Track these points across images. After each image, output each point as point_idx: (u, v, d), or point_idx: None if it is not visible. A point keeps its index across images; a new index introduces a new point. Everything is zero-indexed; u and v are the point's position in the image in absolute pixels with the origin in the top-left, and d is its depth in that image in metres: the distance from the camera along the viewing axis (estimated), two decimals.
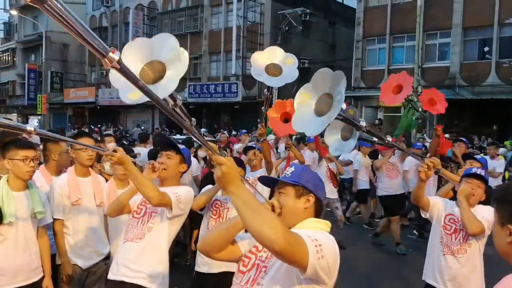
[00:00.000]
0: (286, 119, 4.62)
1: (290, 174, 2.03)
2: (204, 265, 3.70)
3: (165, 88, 1.72)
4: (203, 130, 24.35)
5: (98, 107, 34.54)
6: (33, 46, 39.62)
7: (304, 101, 2.30)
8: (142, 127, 27.97)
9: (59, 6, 1.09)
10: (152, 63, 1.79)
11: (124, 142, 20.35)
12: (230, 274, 2.14)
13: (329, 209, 7.74)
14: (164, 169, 3.10)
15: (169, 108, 1.73)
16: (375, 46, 22.84)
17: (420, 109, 4.29)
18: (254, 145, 5.27)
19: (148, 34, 32.28)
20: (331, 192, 7.50)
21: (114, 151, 2.80)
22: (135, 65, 1.75)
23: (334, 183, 7.55)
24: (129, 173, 2.83)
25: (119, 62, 1.26)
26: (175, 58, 1.77)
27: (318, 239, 1.67)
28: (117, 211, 3.10)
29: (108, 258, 3.73)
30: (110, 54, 1.24)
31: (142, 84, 1.45)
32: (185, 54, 1.79)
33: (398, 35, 21.88)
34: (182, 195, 3.02)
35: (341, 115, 2.23)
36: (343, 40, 28.22)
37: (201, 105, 28.05)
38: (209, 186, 3.89)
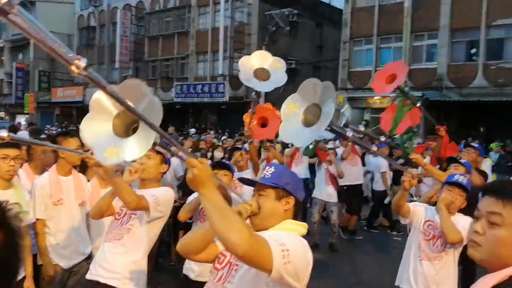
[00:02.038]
0: (263, 123, 4.64)
1: (270, 174, 2.00)
2: (193, 271, 3.60)
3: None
4: (192, 130, 24.23)
5: (86, 106, 34.10)
6: (21, 45, 39.30)
7: (291, 111, 2.28)
8: None
9: (22, 17, 1.10)
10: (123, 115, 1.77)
11: None
12: None
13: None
14: (144, 169, 3.11)
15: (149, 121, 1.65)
16: (362, 47, 22.87)
17: (413, 101, 4.13)
18: (241, 146, 5.34)
19: (136, 34, 32.10)
20: (329, 195, 7.51)
21: (92, 154, 2.74)
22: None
23: (334, 186, 7.55)
24: (107, 177, 2.91)
25: (86, 68, 1.31)
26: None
27: (287, 244, 1.67)
28: (99, 214, 3.12)
29: (90, 257, 3.66)
30: (77, 61, 1.29)
31: (110, 89, 1.52)
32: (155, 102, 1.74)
33: (385, 36, 21.92)
34: (161, 197, 3.03)
35: (330, 126, 2.20)
36: (330, 41, 28.28)
37: (187, 105, 27.92)
38: (195, 194, 3.77)
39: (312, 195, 7.83)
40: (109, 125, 1.79)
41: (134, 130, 1.75)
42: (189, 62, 29.39)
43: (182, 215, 3.54)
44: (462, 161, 4.54)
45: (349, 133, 2.73)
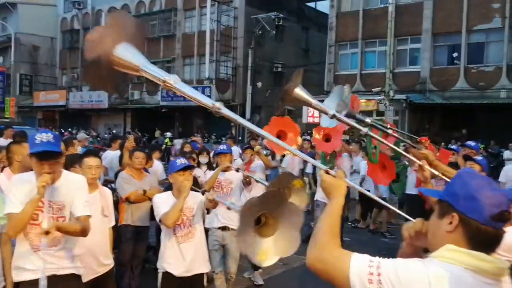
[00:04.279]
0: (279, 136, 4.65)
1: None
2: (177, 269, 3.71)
3: None
4: (168, 134, 24.17)
5: (69, 110, 33.88)
6: (2, 48, 38.53)
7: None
8: (114, 131, 27.54)
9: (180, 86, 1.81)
10: None
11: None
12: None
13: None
14: None
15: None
16: (348, 50, 23.13)
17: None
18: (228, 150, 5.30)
19: None
20: None
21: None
22: None
23: None
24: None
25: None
26: None
27: (384, 267, 1.35)
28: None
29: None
30: (215, 105, 1.75)
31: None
32: None
33: (370, 40, 22.22)
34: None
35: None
36: (316, 45, 28.49)
37: (174, 108, 27.83)
38: (170, 199, 3.77)
39: (315, 198, 7.77)
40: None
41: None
42: (175, 65, 29.28)
43: (171, 221, 3.55)
44: (478, 158, 4.49)
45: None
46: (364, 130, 3.07)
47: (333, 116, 2.82)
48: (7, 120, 24.84)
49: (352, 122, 3.05)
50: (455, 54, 20.08)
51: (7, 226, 2.85)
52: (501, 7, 18.71)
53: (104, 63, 1.78)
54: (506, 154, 16.09)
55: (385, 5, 20.81)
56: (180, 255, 3.68)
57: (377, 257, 1.39)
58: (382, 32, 20.58)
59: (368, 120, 3.34)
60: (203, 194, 3.90)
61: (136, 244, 5.06)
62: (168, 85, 1.72)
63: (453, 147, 6.66)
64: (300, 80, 2.71)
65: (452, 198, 1.41)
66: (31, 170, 3.75)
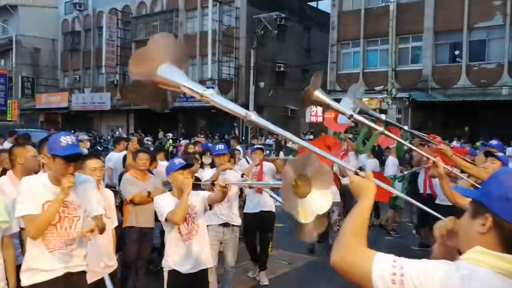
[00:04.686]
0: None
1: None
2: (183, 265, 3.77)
3: None
4: (169, 135, 24.19)
5: (71, 112, 33.94)
6: (3, 50, 38.67)
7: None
8: (117, 132, 27.57)
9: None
10: None
11: (98, 148, 20.07)
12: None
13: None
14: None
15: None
16: (350, 49, 23.13)
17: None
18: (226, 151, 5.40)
19: (122, 38, 31.93)
20: (333, 194, 7.50)
21: None
22: None
23: (337, 185, 7.57)
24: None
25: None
26: None
27: (406, 268, 1.31)
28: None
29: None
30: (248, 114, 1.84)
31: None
32: None
33: (372, 39, 22.22)
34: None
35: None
36: (318, 44, 28.51)
37: (177, 109, 27.85)
38: (170, 199, 3.82)
39: None
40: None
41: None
42: None
43: (179, 218, 3.62)
44: (499, 155, 4.46)
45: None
46: (380, 129, 3.10)
47: (350, 117, 2.96)
48: (10, 123, 24.98)
49: (368, 122, 3.14)
50: (456, 52, 20.06)
51: (28, 228, 2.84)
52: (502, 5, 18.68)
53: (148, 82, 2.00)
54: (509, 151, 16.05)
55: (386, 3, 20.79)
56: (185, 252, 3.75)
57: (402, 258, 1.35)
58: (383, 30, 20.58)
59: (383, 117, 3.43)
60: (213, 184, 3.94)
61: (141, 245, 5.08)
62: (206, 98, 1.90)
63: (454, 143, 6.59)
64: (320, 82, 2.81)
65: (486, 198, 1.36)
66: (35, 173, 3.78)
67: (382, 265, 1.34)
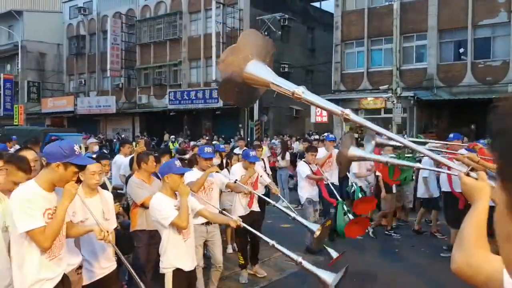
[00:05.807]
0: None
1: None
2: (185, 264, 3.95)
3: None
4: (172, 137, 24.20)
5: (77, 116, 34.13)
6: (9, 56, 38.94)
7: None
8: (123, 135, 27.69)
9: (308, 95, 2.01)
10: None
11: (104, 151, 20.15)
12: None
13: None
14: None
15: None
16: (354, 49, 23.11)
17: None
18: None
19: (126, 42, 32.08)
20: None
21: None
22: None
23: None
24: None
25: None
26: None
27: None
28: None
29: (81, 267, 3.65)
30: (344, 112, 1.84)
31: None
32: None
33: (375, 38, 22.19)
34: None
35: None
36: (322, 44, 28.49)
37: (182, 111, 27.95)
38: (167, 200, 3.92)
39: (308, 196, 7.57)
40: None
41: None
42: (182, 68, 29.43)
43: (186, 225, 3.82)
44: None
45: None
46: (416, 165, 3.05)
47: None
48: (44, 127, 25.25)
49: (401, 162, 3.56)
50: (461, 50, 19.98)
51: (39, 240, 2.80)
52: (507, 2, 18.58)
53: (236, 80, 1.96)
54: None
55: (390, 2, 20.73)
56: (186, 251, 3.92)
57: None
58: (387, 29, 20.54)
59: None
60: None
61: (150, 247, 5.11)
62: (297, 95, 1.83)
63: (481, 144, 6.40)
64: (353, 142, 3.04)
65: None
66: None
67: None
